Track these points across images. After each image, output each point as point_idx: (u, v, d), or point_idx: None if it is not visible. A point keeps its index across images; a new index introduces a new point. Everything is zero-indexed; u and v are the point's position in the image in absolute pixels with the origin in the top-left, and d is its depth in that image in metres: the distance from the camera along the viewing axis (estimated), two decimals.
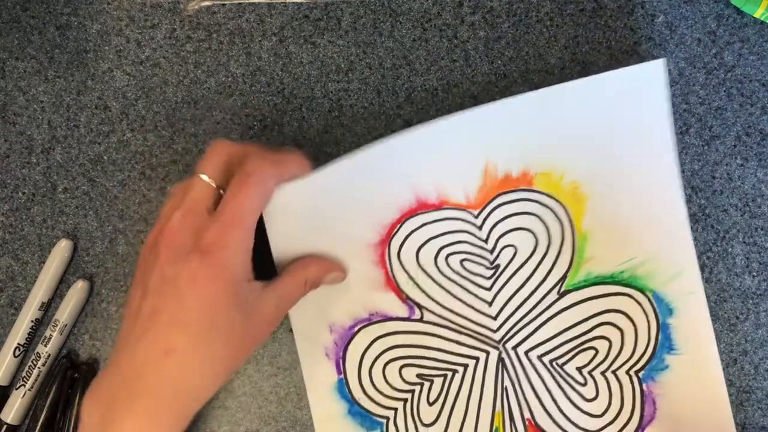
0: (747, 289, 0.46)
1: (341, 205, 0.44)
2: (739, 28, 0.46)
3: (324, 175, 0.43)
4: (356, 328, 0.45)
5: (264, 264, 0.43)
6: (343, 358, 0.46)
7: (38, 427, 0.45)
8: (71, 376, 0.46)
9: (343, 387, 0.46)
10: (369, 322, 0.46)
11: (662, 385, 0.45)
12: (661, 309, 0.45)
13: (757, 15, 0.45)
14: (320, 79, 0.47)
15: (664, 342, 0.45)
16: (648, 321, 0.45)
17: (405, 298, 0.45)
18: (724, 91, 0.46)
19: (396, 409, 0.46)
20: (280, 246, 0.44)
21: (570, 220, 0.45)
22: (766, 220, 0.46)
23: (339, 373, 0.46)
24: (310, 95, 0.47)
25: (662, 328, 0.45)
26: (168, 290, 0.37)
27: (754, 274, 0.46)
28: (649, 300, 0.45)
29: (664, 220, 0.45)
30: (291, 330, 0.46)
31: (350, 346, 0.46)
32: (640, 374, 0.45)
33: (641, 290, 0.45)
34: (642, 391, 0.45)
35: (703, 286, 0.45)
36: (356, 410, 0.46)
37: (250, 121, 0.47)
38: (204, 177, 0.39)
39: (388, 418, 0.46)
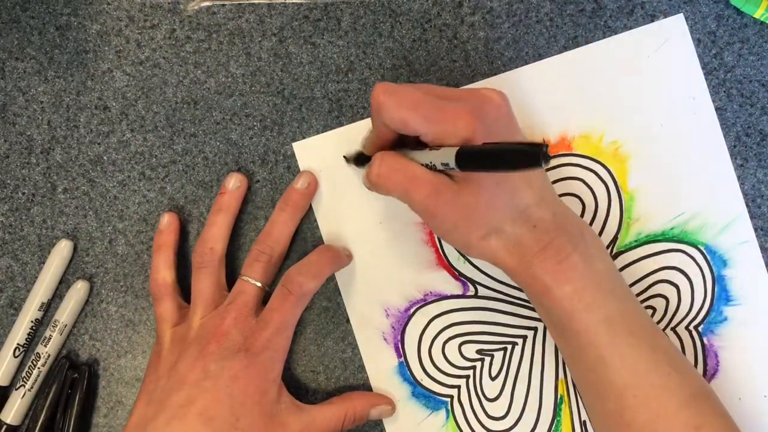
0: None
1: None
2: (739, 29, 0.46)
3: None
4: (412, 310, 0.46)
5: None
6: (402, 340, 0.46)
7: (38, 427, 0.45)
8: (71, 377, 0.46)
9: (404, 370, 0.46)
10: (424, 302, 0.46)
11: (723, 338, 0.45)
12: (715, 261, 0.46)
13: (757, 15, 0.45)
14: (320, 79, 0.47)
15: (720, 294, 0.46)
16: (703, 275, 0.46)
17: (458, 275, 0.46)
18: (724, 91, 0.46)
19: (459, 387, 0.46)
20: (329, 228, 0.46)
21: (615, 181, 0.46)
22: (766, 220, 0.46)
23: (399, 356, 0.46)
24: (310, 95, 0.47)
25: (718, 280, 0.46)
26: (208, 385, 0.40)
27: None
28: (702, 253, 0.46)
29: (710, 170, 0.46)
30: (348, 321, 0.46)
31: (407, 328, 0.46)
32: (700, 329, 0.46)
33: (693, 245, 0.46)
34: (703, 345, 0.46)
35: (755, 234, 0.45)
36: (420, 392, 0.46)
37: (250, 121, 0.47)
38: (253, 281, 0.43)
39: (452, 397, 0.46)
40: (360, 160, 0.44)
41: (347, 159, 0.45)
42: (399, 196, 0.39)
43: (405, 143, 0.40)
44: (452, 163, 0.35)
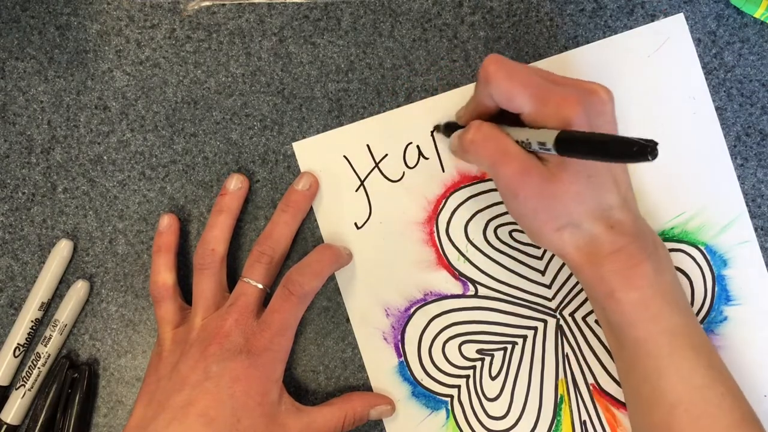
0: None
1: (385, 181, 0.46)
2: (739, 28, 0.46)
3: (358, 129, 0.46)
4: (412, 310, 0.46)
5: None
6: (402, 340, 0.46)
7: (38, 427, 0.45)
8: (71, 377, 0.46)
9: (404, 369, 0.46)
10: (424, 302, 0.46)
11: (723, 337, 0.45)
12: (715, 261, 0.46)
13: (757, 15, 0.45)
14: (320, 79, 0.47)
15: (721, 294, 0.46)
16: (703, 274, 0.46)
17: (458, 275, 0.46)
18: (724, 91, 0.46)
19: (459, 387, 0.46)
20: (329, 228, 0.46)
21: None
22: (766, 220, 0.46)
23: (399, 356, 0.46)
24: (310, 95, 0.47)
25: (718, 280, 0.46)
26: (209, 386, 0.40)
27: None
28: (702, 253, 0.46)
29: (710, 170, 0.46)
30: (348, 321, 0.46)
31: (408, 328, 0.46)
32: None
33: (693, 244, 0.46)
34: None
35: (755, 234, 0.45)
36: (420, 391, 0.46)
37: (250, 121, 0.47)
38: (254, 283, 0.43)
39: (452, 397, 0.46)
40: (450, 129, 0.44)
41: (437, 127, 0.46)
42: (487, 166, 0.39)
43: (502, 121, 0.39)
44: (550, 144, 0.35)
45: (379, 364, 0.46)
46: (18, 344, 0.46)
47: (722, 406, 0.38)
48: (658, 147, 0.29)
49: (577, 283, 0.46)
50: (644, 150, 0.29)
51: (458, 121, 0.44)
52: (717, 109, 0.46)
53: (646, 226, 0.40)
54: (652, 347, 0.38)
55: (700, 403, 0.38)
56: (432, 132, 0.46)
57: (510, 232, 0.46)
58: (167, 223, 0.45)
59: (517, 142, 0.38)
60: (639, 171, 0.46)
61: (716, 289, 0.46)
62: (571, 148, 0.34)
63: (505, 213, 0.46)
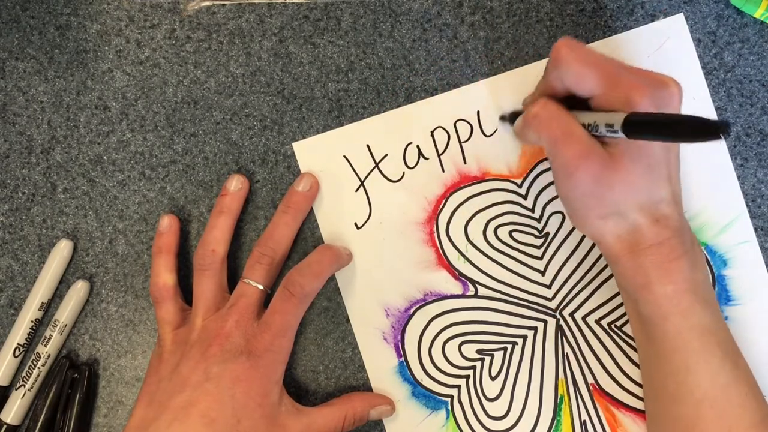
0: None
1: (385, 181, 0.46)
2: (739, 28, 0.46)
3: (358, 129, 0.46)
4: (412, 310, 0.46)
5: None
6: (402, 340, 0.46)
7: (38, 427, 0.45)
8: (71, 377, 0.46)
9: (404, 369, 0.46)
10: (424, 302, 0.46)
11: None
12: (716, 261, 0.46)
13: (757, 15, 0.45)
14: (320, 79, 0.47)
15: (721, 294, 0.46)
16: None
17: (458, 275, 0.46)
18: (724, 91, 0.46)
19: (459, 387, 0.46)
20: (329, 228, 0.46)
21: None
22: (766, 220, 0.46)
23: (399, 356, 0.46)
24: (310, 95, 0.47)
25: (718, 280, 0.46)
26: (209, 387, 0.40)
27: None
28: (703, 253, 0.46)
29: (710, 170, 0.46)
30: (348, 321, 0.46)
31: (408, 328, 0.46)
32: None
33: None
34: None
35: (755, 234, 0.45)
36: (420, 391, 0.46)
37: (250, 121, 0.47)
38: (254, 284, 0.43)
39: (452, 397, 0.46)
40: (515, 117, 0.44)
41: (503, 117, 0.45)
42: (547, 144, 0.39)
43: (569, 107, 0.39)
44: (617, 125, 0.34)
45: (379, 364, 0.46)
46: (18, 344, 0.46)
47: (745, 406, 0.39)
48: (729, 126, 0.29)
49: (577, 283, 0.46)
50: (717, 129, 0.29)
51: (524, 107, 0.44)
52: (717, 109, 0.46)
53: (686, 222, 0.40)
54: (681, 342, 0.39)
55: (724, 401, 0.39)
56: (499, 119, 0.46)
57: (510, 232, 0.46)
58: (167, 223, 0.45)
59: (582, 125, 0.38)
60: None
61: (716, 289, 0.46)
62: (640, 129, 0.34)
63: (505, 213, 0.46)
